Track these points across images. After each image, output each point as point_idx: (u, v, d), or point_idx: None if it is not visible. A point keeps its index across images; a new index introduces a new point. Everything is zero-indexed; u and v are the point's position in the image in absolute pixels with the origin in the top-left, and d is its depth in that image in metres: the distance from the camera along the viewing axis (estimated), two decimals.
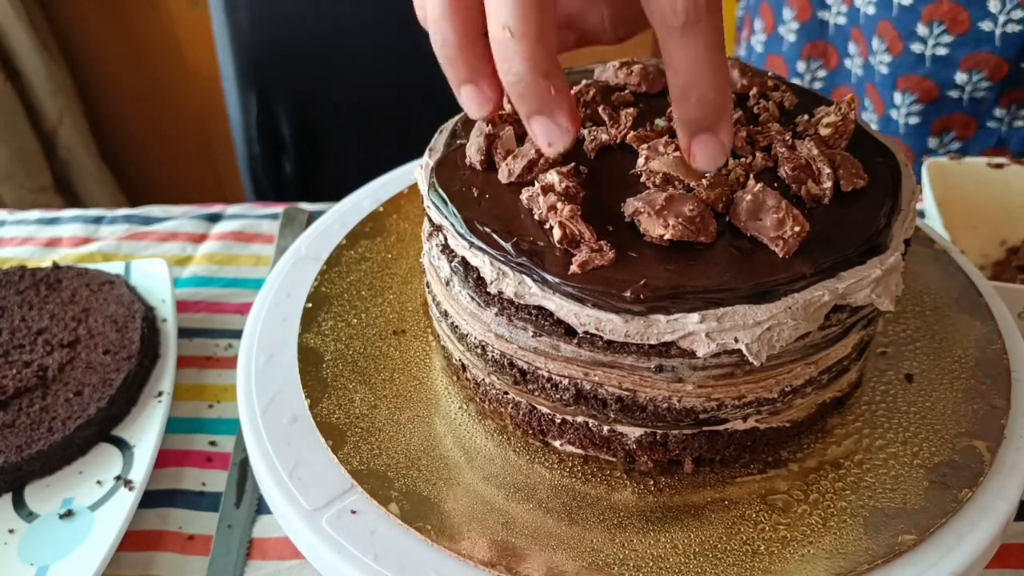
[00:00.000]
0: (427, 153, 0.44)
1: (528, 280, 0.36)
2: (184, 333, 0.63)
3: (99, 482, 0.51)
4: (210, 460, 0.54)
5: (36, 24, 1.42)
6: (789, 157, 0.40)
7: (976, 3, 0.72)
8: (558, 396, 0.40)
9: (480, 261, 0.38)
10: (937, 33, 0.74)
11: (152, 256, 0.70)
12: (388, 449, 0.42)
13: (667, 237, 0.36)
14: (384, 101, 1.09)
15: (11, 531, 0.49)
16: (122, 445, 0.53)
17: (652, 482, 0.41)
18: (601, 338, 0.36)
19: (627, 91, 0.47)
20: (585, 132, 0.43)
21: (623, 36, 0.47)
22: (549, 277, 0.36)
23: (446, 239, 0.40)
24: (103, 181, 1.59)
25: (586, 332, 0.36)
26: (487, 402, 0.44)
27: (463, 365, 0.44)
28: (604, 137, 0.42)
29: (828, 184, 0.39)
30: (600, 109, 0.43)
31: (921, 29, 0.75)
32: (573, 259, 0.36)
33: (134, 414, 0.55)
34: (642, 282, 0.35)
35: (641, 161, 0.40)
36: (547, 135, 0.35)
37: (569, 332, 0.37)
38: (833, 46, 0.86)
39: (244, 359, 0.47)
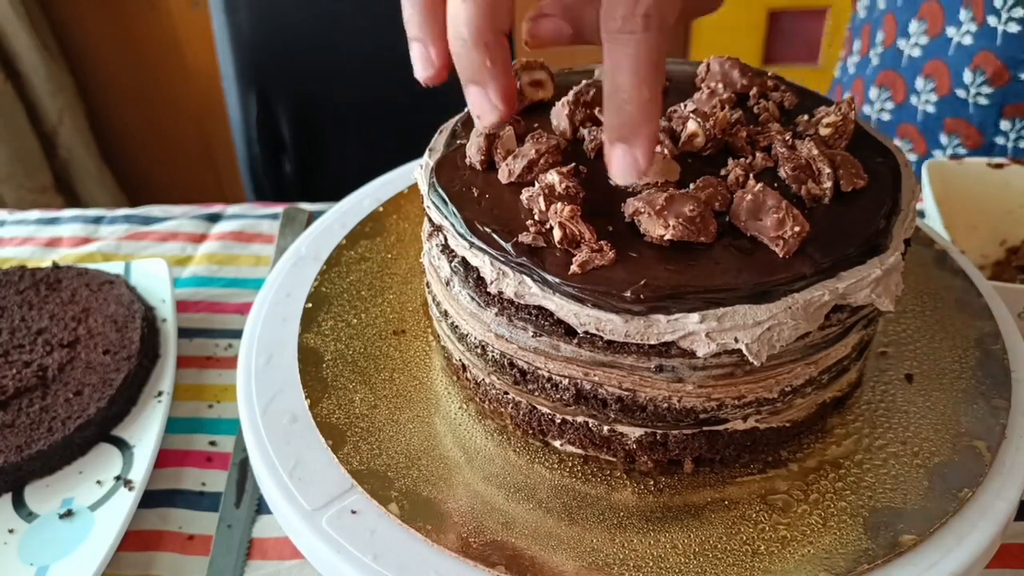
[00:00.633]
0: (427, 153, 0.44)
1: (528, 280, 0.36)
2: (184, 333, 0.63)
3: (99, 482, 0.51)
4: (210, 460, 0.54)
5: (36, 24, 1.42)
6: (789, 157, 0.40)
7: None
8: (558, 396, 0.40)
9: (480, 261, 0.38)
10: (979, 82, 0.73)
11: (152, 256, 0.70)
12: (388, 449, 0.42)
13: (667, 237, 0.36)
14: (384, 101, 1.09)
15: (11, 531, 0.49)
16: (122, 445, 0.53)
17: (652, 482, 0.41)
18: (601, 338, 0.36)
19: None
20: (585, 132, 0.43)
21: None
22: (549, 277, 0.36)
23: (446, 239, 0.40)
24: (103, 181, 1.59)
25: (586, 332, 0.36)
26: (487, 402, 0.44)
27: (463, 365, 0.44)
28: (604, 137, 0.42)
29: (828, 184, 0.39)
30: (597, 111, 0.43)
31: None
32: (573, 259, 0.36)
33: (134, 414, 0.55)
34: (642, 282, 0.35)
35: None
36: (477, 107, 0.36)
37: (569, 332, 0.37)
38: (903, 78, 0.82)
39: (244, 359, 0.47)
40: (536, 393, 0.40)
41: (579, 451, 0.42)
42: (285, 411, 0.44)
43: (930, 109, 0.79)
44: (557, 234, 0.36)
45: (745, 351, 0.35)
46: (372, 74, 1.08)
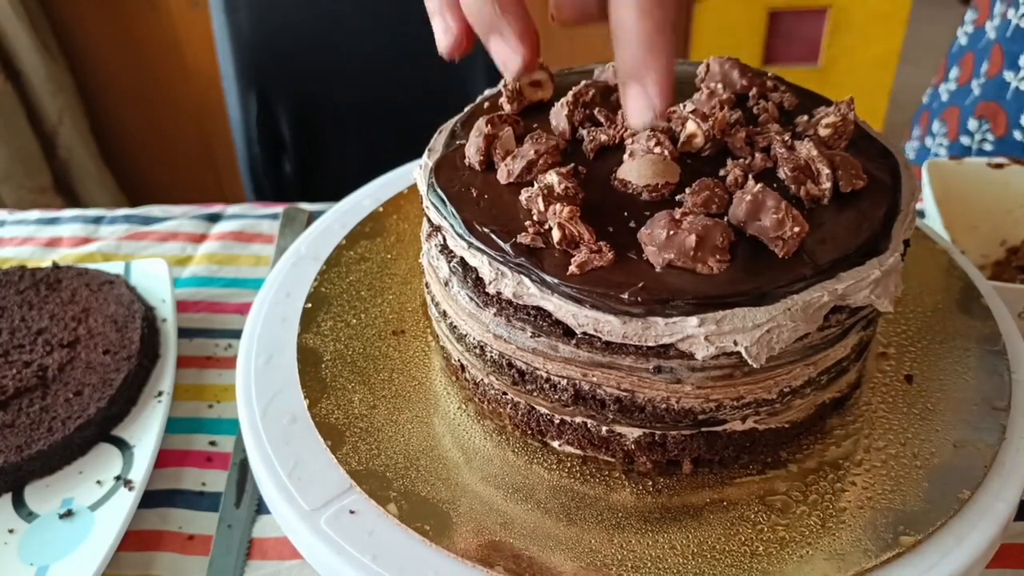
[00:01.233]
0: (426, 153, 0.44)
1: (527, 280, 0.36)
2: (184, 333, 0.63)
3: (99, 482, 0.51)
4: (210, 460, 0.54)
5: (36, 24, 1.42)
6: (788, 158, 0.40)
7: None
8: (557, 396, 0.40)
9: (479, 261, 0.38)
10: None
11: (152, 256, 0.70)
12: (387, 449, 0.42)
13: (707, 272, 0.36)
14: (384, 101, 1.09)
15: (11, 531, 0.49)
16: (122, 445, 0.53)
17: (651, 483, 0.41)
18: (599, 339, 0.36)
19: None
20: (584, 132, 0.43)
21: None
22: (548, 278, 0.36)
23: (445, 239, 0.40)
24: (103, 181, 1.59)
25: (584, 333, 0.36)
26: (486, 402, 0.44)
27: (462, 365, 0.44)
28: (603, 138, 0.42)
29: (827, 185, 0.39)
30: (596, 111, 0.43)
31: None
32: (572, 260, 0.36)
33: (134, 414, 0.55)
34: (640, 284, 0.35)
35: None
36: (500, 56, 0.35)
37: (567, 333, 0.37)
38: (1005, 112, 0.78)
39: (243, 360, 0.47)
40: (535, 393, 0.40)
41: (578, 451, 0.42)
42: (284, 411, 0.44)
43: None
44: (556, 235, 0.36)
45: (744, 354, 0.35)
46: (372, 74, 1.08)
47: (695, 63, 0.49)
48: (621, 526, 0.39)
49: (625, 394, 0.38)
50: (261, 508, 0.51)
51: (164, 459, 0.54)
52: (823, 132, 0.42)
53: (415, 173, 0.45)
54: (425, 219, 0.43)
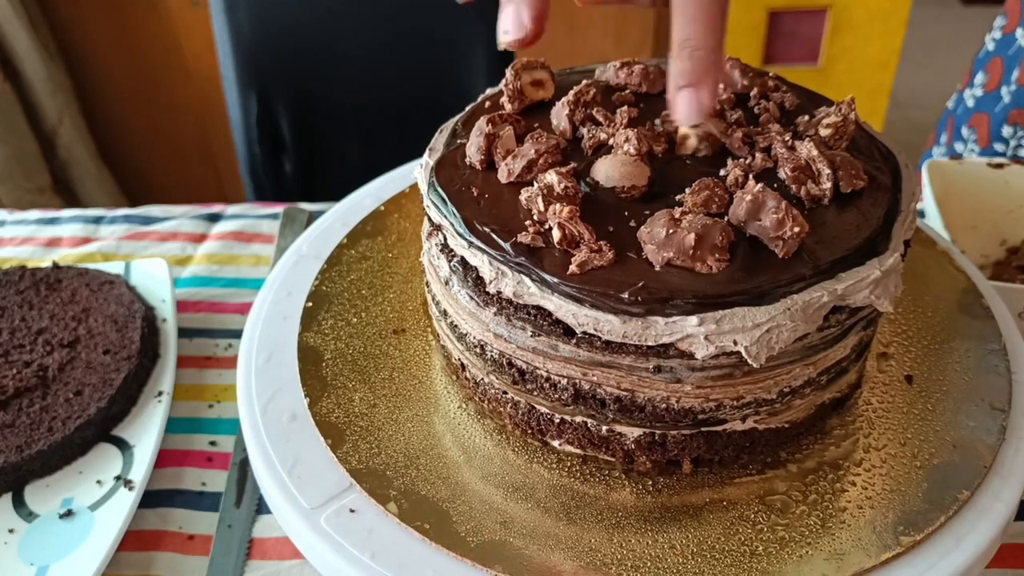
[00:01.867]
0: (427, 153, 0.44)
1: (527, 280, 0.36)
2: (184, 333, 0.63)
3: (99, 482, 0.51)
4: (210, 460, 0.54)
5: (36, 24, 1.42)
6: (789, 158, 0.40)
7: None
8: (557, 396, 0.40)
9: (479, 261, 0.38)
10: None
11: (152, 256, 0.70)
12: (387, 448, 0.42)
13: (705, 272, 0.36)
14: (384, 101, 1.09)
15: (11, 531, 0.49)
16: (122, 445, 0.53)
17: (650, 482, 0.41)
18: (599, 338, 0.36)
19: (628, 91, 0.47)
20: (584, 131, 0.43)
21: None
22: (548, 277, 0.36)
23: (445, 238, 0.40)
24: (103, 181, 1.59)
25: (584, 332, 0.36)
26: (486, 401, 0.44)
27: (462, 364, 0.44)
28: (602, 136, 0.42)
29: (828, 185, 0.39)
30: (595, 111, 0.43)
31: None
32: (572, 259, 0.36)
33: (134, 414, 0.55)
34: (640, 284, 0.35)
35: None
36: (507, 22, 0.37)
37: (567, 332, 0.37)
38: None
39: (244, 358, 0.47)
40: (535, 393, 0.40)
41: (578, 451, 0.42)
42: (285, 410, 0.44)
43: None
44: (556, 234, 0.36)
45: (744, 353, 0.35)
46: (372, 74, 1.08)
47: None
48: (621, 525, 0.39)
49: (625, 393, 0.38)
50: (261, 508, 0.51)
51: (164, 459, 0.54)
52: (824, 132, 0.42)
53: (416, 172, 0.45)
54: (426, 218, 0.43)
